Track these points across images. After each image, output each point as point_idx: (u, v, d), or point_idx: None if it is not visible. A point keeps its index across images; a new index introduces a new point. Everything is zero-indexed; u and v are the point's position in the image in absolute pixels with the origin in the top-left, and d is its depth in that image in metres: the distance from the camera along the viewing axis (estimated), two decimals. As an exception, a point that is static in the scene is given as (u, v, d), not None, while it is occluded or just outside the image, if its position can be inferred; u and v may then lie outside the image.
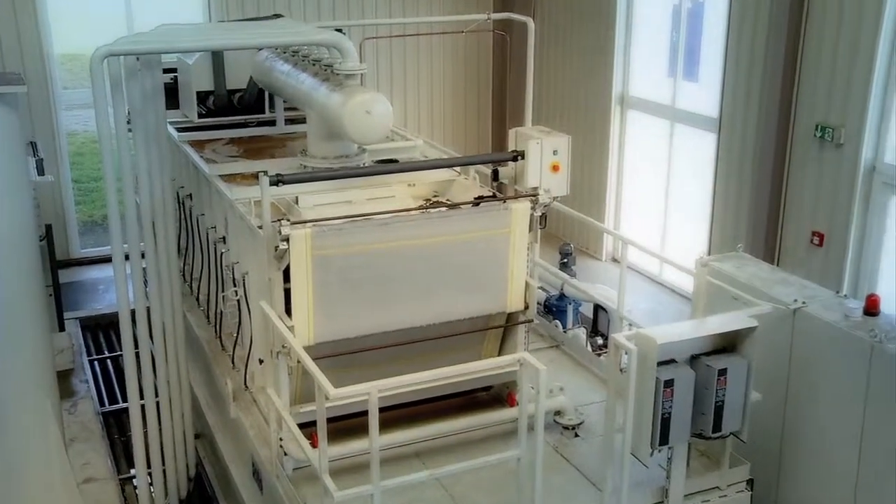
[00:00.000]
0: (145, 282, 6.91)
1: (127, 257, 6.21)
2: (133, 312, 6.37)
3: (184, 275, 7.68)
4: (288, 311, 4.93)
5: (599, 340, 8.75)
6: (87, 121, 18.26)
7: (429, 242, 5.03)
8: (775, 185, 9.14)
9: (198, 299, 7.29)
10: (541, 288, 8.02)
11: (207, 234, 6.64)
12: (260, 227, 4.96)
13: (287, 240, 4.70)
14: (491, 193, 5.67)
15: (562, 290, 8.52)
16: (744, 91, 9.46)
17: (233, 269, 5.86)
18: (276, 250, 4.77)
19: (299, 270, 4.78)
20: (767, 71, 9.09)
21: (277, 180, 4.88)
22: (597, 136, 11.89)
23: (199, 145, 7.19)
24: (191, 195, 7.19)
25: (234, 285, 5.79)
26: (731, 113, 9.68)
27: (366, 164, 6.14)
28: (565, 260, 9.28)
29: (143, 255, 6.63)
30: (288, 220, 4.81)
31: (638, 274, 11.14)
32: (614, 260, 11.81)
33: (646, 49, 11.37)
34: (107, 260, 6.99)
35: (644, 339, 4.42)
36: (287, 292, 4.92)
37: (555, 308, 8.82)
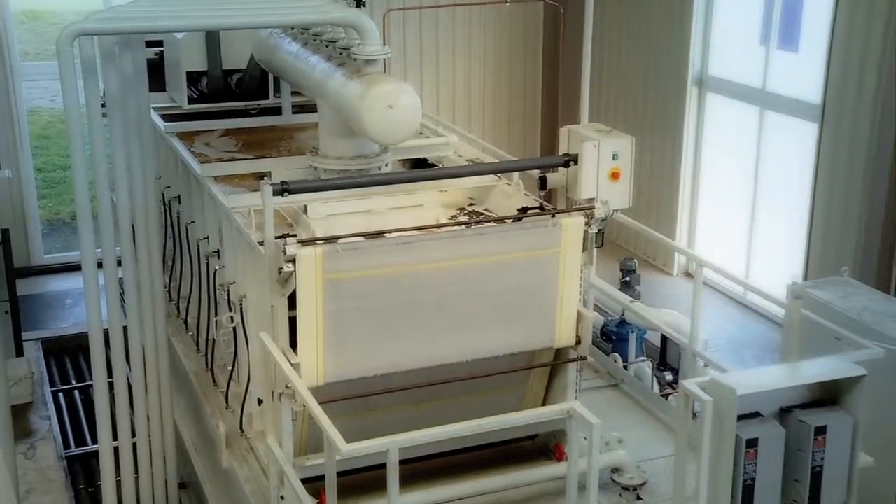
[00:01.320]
0: (122, 296, 7.11)
1: (100, 265, 6.42)
2: (106, 333, 6.57)
3: (169, 292, 7.87)
4: (293, 344, 5.07)
5: (668, 376, 8.81)
6: (53, 94, 18.56)
7: (462, 265, 5.15)
8: (893, 190, 9.03)
9: (185, 322, 7.48)
10: (597, 307, 8.09)
11: (198, 245, 6.82)
12: (261, 244, 5.12)
13: (293, 261, 4.85)
14: (537, 204, 5.78)
15: (623, 315, 8.60)
16: (856, 68, 9.22)
17: (228, 289, 6.03)
18: (279, 273, 4.92)
19: (307, 297, 4.92)
20: (889, 41, 8.89)
21: (283, 189, 5.03)
22: (668, 128, 11.89)
23: (188, 137, 7.39)
24: (179, 197, 7.39)
25: (230, 309, 5.96)
26: (838, 97, 9.53)
27: (388, 167, 6.28)
28: (627, 278, 9.36)
29: (119, 264, 6.84)
30: (294, 237, 4.95)
31: (718, 293, 11.15)
32: (688, 275, 11.83)
33: (731, 14, 11.30)
34: (76, 268, 7.18)
35: (721, 388, 4.46)
36: (293, 321, 5.06)
37: (614, 336, 8.92)
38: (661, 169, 11.97)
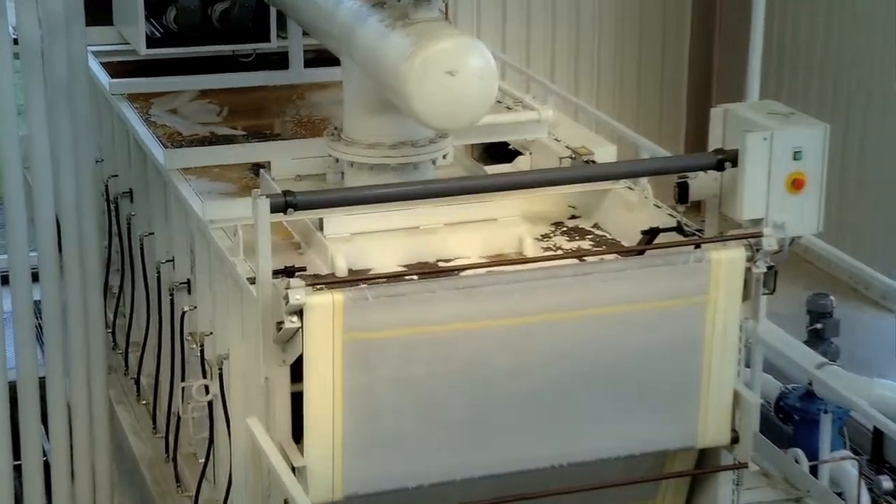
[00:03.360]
0: (39, 331, 7.36)
1: (5, 281, 6.62)
2: (13, 388, 6.82)
3: (113, 333, 8.13)
4: (297, 435, 5.24)
5: (887, 483, 8.75)
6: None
7: (557, 320, 5.27)
8: None
9: (137, 384, 7.72)
10: (768, 365, 8.10)
11: (158, 270, 7.05)
12: (252, 282, 5.30)
13: (299, 312, 5.02)
14: (673, 224, 5.87)
15: (810, 384, 8.61)
16: None
17: (201, 343, 6.23)
18: (278, 330, 5.09)
19: (320, 366, 5.06)
20: None
21: (286, 203, 5.19)
22: (892, 96, 11.76)
23: (145, 101, 7.63)
24: (130, 193, 7.64)
25: (204, 374, 6.15)
26: None
27: (448, 157, 6.41)
28: (819, 324, 9.36)
29: (36, 279, 7.09)
30: (302, 274, 5.11)
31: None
32: (923, 314, 11.75)
33: None
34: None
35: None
36: (297, 400, 5.21)
37: (797, 415, 8.95)
38: (879, 161, 11.85)
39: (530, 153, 6.91)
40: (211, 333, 6.17)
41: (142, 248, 7.37)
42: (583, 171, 6.31)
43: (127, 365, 7.93)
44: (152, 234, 7.22)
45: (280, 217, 5.30)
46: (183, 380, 6.55)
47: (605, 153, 6.69)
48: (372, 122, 6.17)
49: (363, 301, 5.06)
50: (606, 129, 7.86)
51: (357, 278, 5.29)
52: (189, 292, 6.59)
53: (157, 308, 7.19)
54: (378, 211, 5.87)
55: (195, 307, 6.46)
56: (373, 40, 5.88)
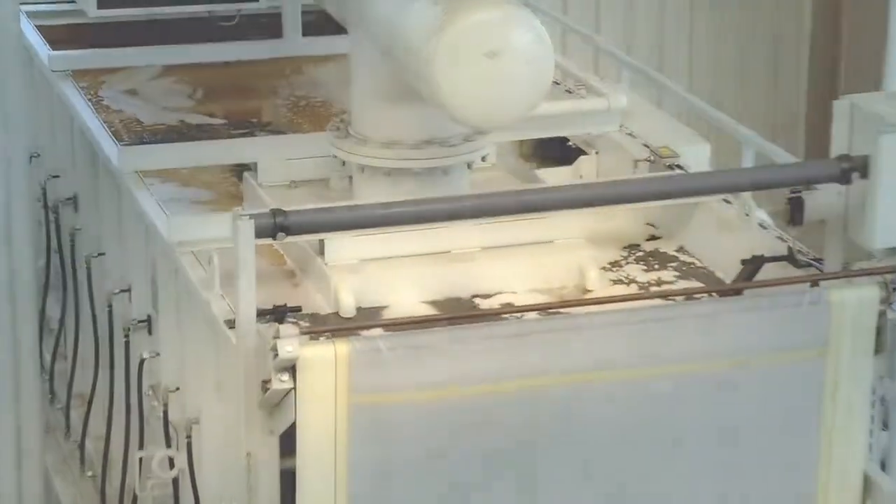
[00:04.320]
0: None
1: None
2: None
3: (51, 381, 8.19)
4: (289, 526, 5.26)
5: None
6: None
7: (626, 380, 5.26)
8: None
9: (81, 449, 7.77)
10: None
11: (110, 303, 7.09)
12: (232, 326, 5.31)
13: (292, 369, 5.01)
14: (783, 253, 5.86)
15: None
16: None
17: (165, 401, 6.26)
18: (264, 391, 5.09)
19: (318, 438, 5.05)
20: None
21: (275, 226, 5.17)
22: None
23: (95, 78, 7.71)
24: (75, 200, 7.70)
25: (168, 443, 6.18)
26: None
27: (488, 159, 6.42)
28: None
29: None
30: (294, 320, 5.11)
31: None
32: None
33: None
34: None
35: None
36: (288, 479, 5.20)
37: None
38: None
39: (596, 152, 6.88)
40: (178, 389, 6.20)
41: (89, 273, 7.42)
42: (665, 184, 6.07)
43: (68, 424, 7.99)
44: (103, 254, 7.28)
45: (268, 241, 5.30)
46: (141, 448, 6.58)
47: (696, 153, 6.67)
48: (389, 113, 6.18)
49: (375, 353, 5.02)
50: (699, 118, 7.77)
51: (367, 324, 5.29)
52: (150, 333, 6.61)
53: (108, 352, 7.21)
54: (395, 231, 5.82)
55: (157, 354, 6.47)
56: (390, 7, 5.88)
